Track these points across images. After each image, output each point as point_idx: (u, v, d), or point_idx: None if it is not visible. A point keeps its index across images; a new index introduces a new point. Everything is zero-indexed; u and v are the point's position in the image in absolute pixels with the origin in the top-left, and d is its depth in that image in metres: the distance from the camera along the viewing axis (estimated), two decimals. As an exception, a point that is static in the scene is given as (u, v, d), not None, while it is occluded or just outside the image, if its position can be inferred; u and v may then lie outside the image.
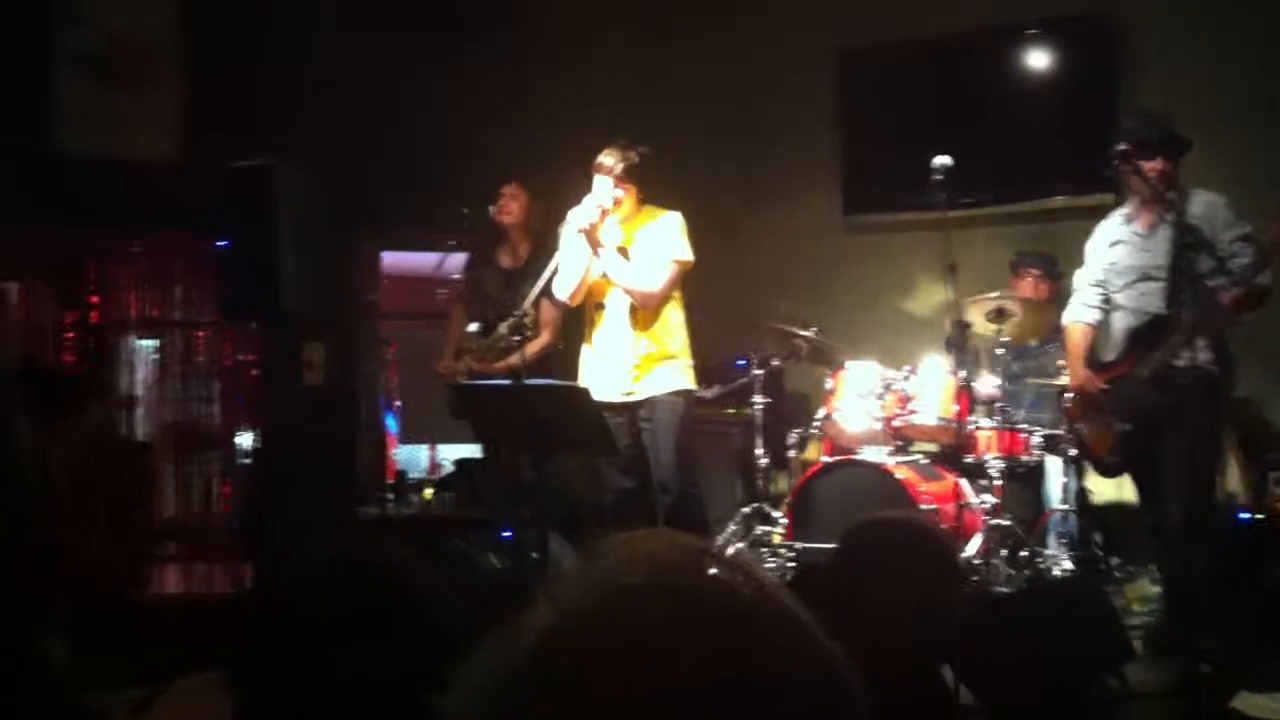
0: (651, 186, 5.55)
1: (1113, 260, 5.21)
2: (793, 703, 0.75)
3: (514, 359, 5.31)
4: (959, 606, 2.83)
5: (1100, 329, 5.39)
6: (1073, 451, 5.88)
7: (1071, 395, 5.40)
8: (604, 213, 5.38)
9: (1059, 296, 6.47)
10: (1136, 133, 4.99)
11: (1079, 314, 5.37)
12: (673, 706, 0.73)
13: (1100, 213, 6.14)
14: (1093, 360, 5.37)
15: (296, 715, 1.37)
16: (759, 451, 6.54)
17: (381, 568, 1.39)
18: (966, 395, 5.75)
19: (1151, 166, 4.91)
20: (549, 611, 0.78)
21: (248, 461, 7.58)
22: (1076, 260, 6.39)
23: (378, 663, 1.33)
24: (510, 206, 6.30)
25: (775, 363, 6.71)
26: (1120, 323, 5.20)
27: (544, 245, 5.84)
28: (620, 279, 5.45)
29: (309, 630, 1.34)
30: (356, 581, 1.38)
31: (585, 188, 5.46)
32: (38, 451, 3.15)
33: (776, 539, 6.31)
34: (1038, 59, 7.03)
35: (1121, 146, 4.89)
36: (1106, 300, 5.28)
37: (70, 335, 7.34)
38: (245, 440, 7.47)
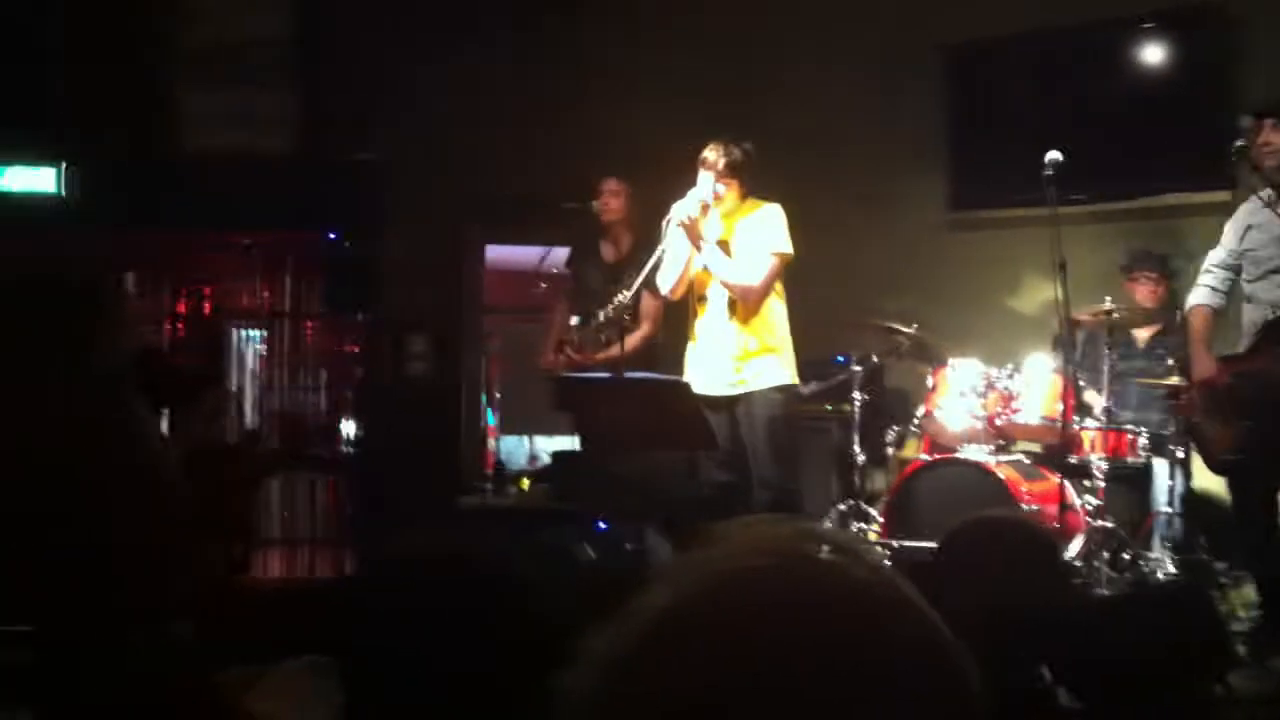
0: (757, 181, 5.56)
1: (1249, 246, 4.84)
2: (904, 689, 0.75)
3: (614, 350, 5.37)
4: (1063, 606, 2.75)
5: (1222, 317, 5.09)
6: (1179, 453, 5.75)
7: (1192, 387, 5.07)
8: (705, 207, 5.40)
9: (1172, 296, 6.34)
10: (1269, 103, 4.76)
11: (1204, 297, 5.02)
12: (786, 689, 0.73)
13: (1215, 210, 5.99)
14: (1218, 353, 5.04)
15: (404, 701, 1.40)
16: (856, 448, 6.50)
17: (485, 561, 1.42)
18: (1074, 396, 5.64)
19: (1277, 139, 4.65)
20: (667, 592, 0.79)
21: (351, 450, 7.72)
22: (1190, 258, 6.25)
23: (481, 653, 1.35)
24: (612, 203, 6.35)
25: (875, 360, 6.66)
26: (1252, 315, 4.84)
27: (646, 238, 5.88)
28: (720, 273, 5.46)
29: (414, 620, 1.37)
30: (462, 574, 1.40)
31: (689, 181, 5.48)
32: (158, 442, 3.25)
33: (873, 537, 6.27)
34: (1150, 52, 6.87)
35: (1240, 143, 4.74)
36: (1234, 287, 4.96)
37: (181, 326, 7.53)
38: (350, 429, 7.61)
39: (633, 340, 5.96)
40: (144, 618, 3.18)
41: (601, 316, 5.64)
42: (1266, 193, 4.80)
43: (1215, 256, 5.01)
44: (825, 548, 0.80)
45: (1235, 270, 4.93)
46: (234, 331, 7.76)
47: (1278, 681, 4.36)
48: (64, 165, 7.26)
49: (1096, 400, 5.92)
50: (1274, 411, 4.61)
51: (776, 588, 0.77)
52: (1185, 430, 5.44)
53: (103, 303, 3.65)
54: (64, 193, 7.27)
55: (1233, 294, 5.02)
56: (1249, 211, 4.89)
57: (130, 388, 3.44)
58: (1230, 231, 4.96)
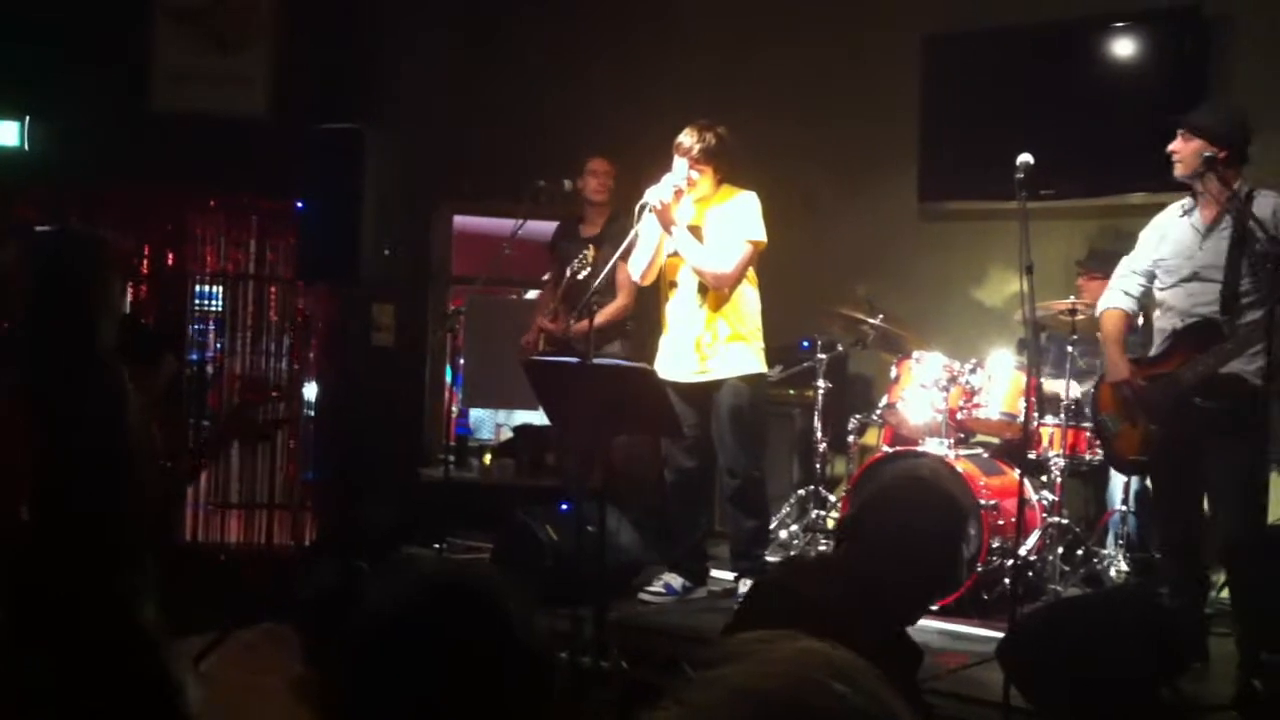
0: (731, 163, 5.54)
1: (1163, 255, 4.85)
2: None
3: (584, 324, 5.39)
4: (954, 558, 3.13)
5: (1133, 319, 5.13)
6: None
7: (1105, 385, 5.05)
8: (679, 193, 5.39)
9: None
10: (1191, 116, 4.76)
11: (1115, 300, 5.01)
12: None
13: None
14: (1133, 355, 5.03)
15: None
16: (818, 435, 6.56)
17: (480, 599, 1.41)
18: (1036, 395, 5.67)
19: (1180, 147, 4.68)
20: (678, 713, 0.80)
21: (312, 414, 7.71)
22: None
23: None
24: (604, 184, 6.34)
25: (840, 348, 6.71)
26: (1163, 322, 4.86)
27: (623, 212, 5.88)
28: (692, 258, 5.46)
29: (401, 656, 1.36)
30: (453, 612, 1.40)
31: (665, 159, 5.47)
32: (138, 410, 3.23)
33: (831, 524, 6.34)
34: (1125, 50, 6.89)
35: (1207, 153, 4.73)
36: (1147, 293, 4.97)
37: (145, 288, 7.47)
38: (313, 395, 7.59)
39: (608, 311, 5.99)
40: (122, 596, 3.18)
41: (572, 270, 5.70)
42: (1183, 202, 4.86)
43: (1131, 262, 5.03)
44: (840, 683, 0.80)
45: (1149, 276, 4.93)
46: (199, 292, 7.72)
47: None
48: (27, 119, 7.17)
49: (1058, 386, 5.97)
50: (1184, 418, 4.64)
51: (780, 712, 0.77)
52: (1094, 430, 5.43)
53: (118, 265, 3.64)
54: (26, 147, 7.18)
55: (1146, 299, 5.03)
56: (1164, 221, 4.92)
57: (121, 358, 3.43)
58: (1145, 239, 4.99)
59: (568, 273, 6.24)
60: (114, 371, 3.18)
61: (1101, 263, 6.43)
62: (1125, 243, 6.58)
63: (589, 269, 6.19)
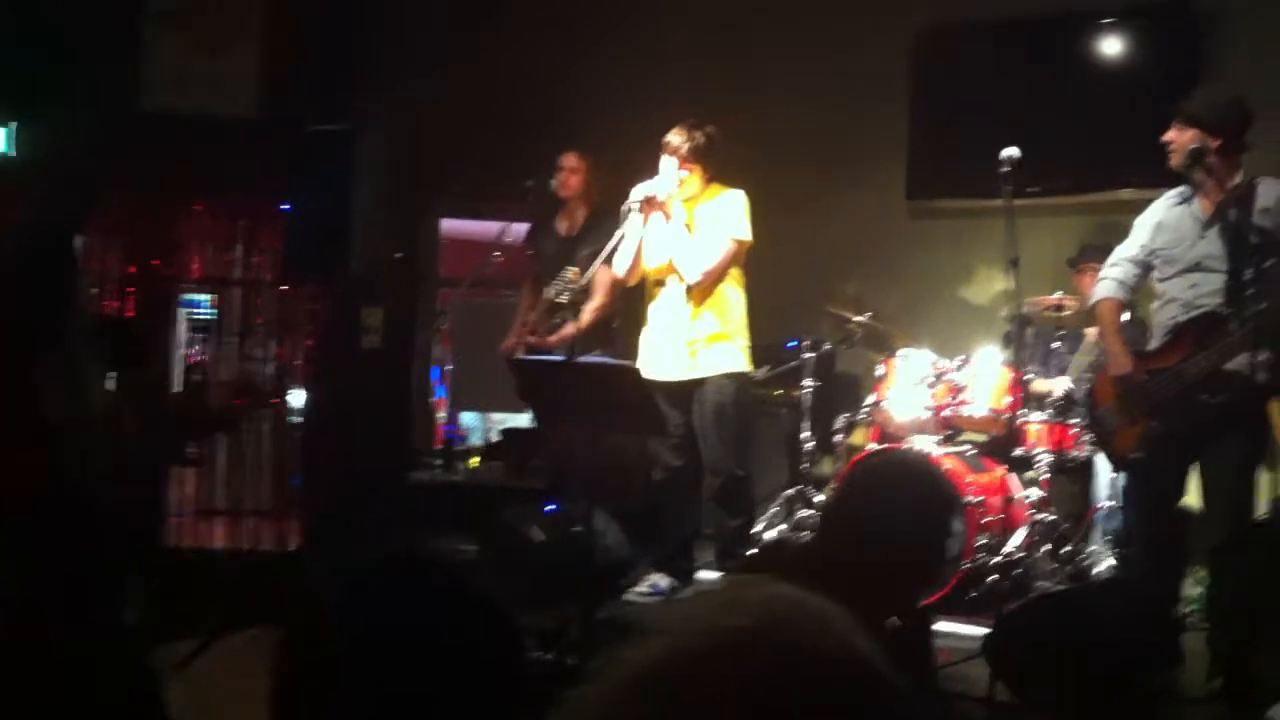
0: (720, 162, 5.54)
1: (1161, 245, 4.70)
2: None
3: (568, 329, 5.35)
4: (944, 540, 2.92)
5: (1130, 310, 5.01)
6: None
7: (1104, 378, 4.89)
8: (670, 197, 5.40)
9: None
10: (1186, 104, 4.64)
11: (1112, 290, 4.84)
12: None
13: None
14: (1134, 348, 4.87)
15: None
16: (806, 434, 6.56)
17: (444, 576, 1.41)
18: (1023, 389, 5.66)
19: (1175, 137, 4.57)
20: (657, 645, 0.81)
21: (299, 420, 7.67)
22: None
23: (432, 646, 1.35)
24: (570, 180, 6.26)
25: (827, 346, 6.71)
26: (1164, 315, 4.69)
27: (603, 211, 5.85)
28: (678, 254, 5.47)
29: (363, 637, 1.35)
30: (416, 588, 1.40)
31: (650, 157, 5.47)
32: (113, 406, 3.23)
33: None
34: (1114, 46, 6.89)
35: (1195, 145, 4.66)
36: (1141, 283, 4.83)
37: (133, 289, 7.44)
38: (300, 400, 7.56)
39: (586, 314, 5.95)
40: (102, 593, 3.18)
41: (553, 293, 5.69)
42: (1180, 190, 4.72)
43: (1125, 251, 4.88)
44: (802, 620, 0.81)
45: (1144, 267, 4.80)
46: (186, 295, 7.70)
47: (1212, 682, 4.40)
48: (16, 125, 7.15)
49: (1046, 386, 5.96)
50: (1186, 414, 4.51)
51: (767, 658, 0.79)
52: (1090, 423, 5.24)
53: (79, 263, 3.63)
54: (15, 152, 7.17)
55: (1140, 290, 4.90)
56: (1161, 209, 4.77)
57: (89, 351, 3.42)
58: (1141, 227, 4.84)
59: (550, 293, 6.06)
60: (63, 364, 3.16)
61: (1089, 255, 6.43)
62: (1116, 238, 6.61)
63: (569, 292, 6.05)
